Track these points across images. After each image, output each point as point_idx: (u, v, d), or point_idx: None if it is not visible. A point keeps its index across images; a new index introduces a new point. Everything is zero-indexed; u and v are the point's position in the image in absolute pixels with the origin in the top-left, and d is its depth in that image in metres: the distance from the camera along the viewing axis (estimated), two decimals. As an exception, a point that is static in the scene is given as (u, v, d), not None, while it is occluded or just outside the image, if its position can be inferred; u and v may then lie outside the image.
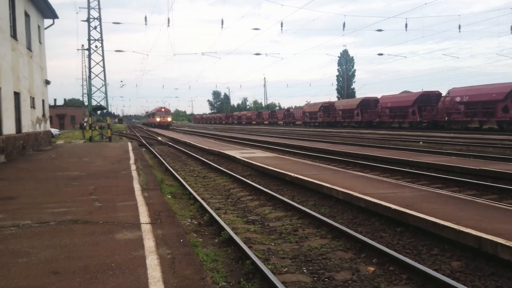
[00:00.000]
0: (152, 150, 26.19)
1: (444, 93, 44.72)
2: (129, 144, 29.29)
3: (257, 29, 55.33)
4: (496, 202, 8.38)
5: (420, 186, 10.28)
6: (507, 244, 5.35)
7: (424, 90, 48.04)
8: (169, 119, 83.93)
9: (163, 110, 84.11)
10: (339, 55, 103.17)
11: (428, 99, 45.13)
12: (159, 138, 42.14)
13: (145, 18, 39.09)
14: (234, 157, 18.84)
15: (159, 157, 21.48)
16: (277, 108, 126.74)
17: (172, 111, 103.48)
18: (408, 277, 5.33)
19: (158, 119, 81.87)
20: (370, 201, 8.36)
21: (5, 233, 6.54)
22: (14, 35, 20.19)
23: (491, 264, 5.55)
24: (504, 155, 17.58)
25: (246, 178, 13.63)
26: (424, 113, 44.93)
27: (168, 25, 28.56)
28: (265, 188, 11.77)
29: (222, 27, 32.46)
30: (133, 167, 15.21)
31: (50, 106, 36.67)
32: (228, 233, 7.14)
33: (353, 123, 57.65)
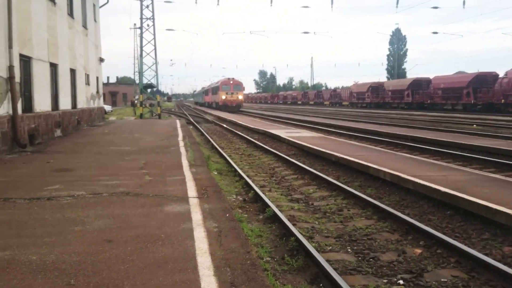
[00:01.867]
0: (199, 128, 26.67)
1: (501, 75, 42.31)
2: (178, 121, 29.96)
3: (306, 6, 54.00)
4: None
5: (473, 170, 9.88)
6: None
7: (480, 71, 45.67)
8: (240, 96, 54.88)
9: (231, 82, 54.08)
10: (391, 34, 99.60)
11: (485, 80, 42.88)
12: (206, 116, 42.80)
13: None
14: (279, 136, 18.84)
15: (206, 134, 21.86)
16: (324, 88, 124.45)
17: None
18: (456, 261, 5.19)
19: (223, 97, 53.60)
20: (419, 183, 8.14)
21: (61, 202, 6.93)
22: (70, 13, 20.95)
23: (547, 252, 5.29)
24: None
25: (291, 157, 13.62)
26: (479, 95, 42.81)
27: (218, 4, 28.50)
28: (310, 167, 11.72)
29: (271, 5, 32.07)
30: (181, 143, 15.58)
31: (104, 84, 38.00)
32: (273, 210, 7.20)
33: (403, 104, 55.91)
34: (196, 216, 6.14)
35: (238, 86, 54.44)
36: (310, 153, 14.33)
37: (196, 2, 35.48)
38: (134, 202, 6.93)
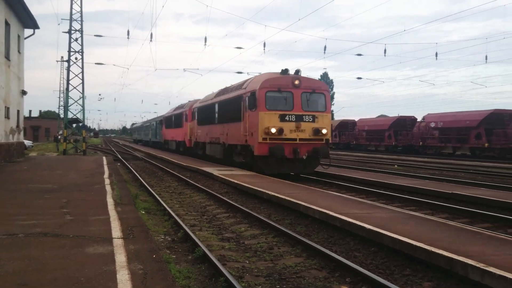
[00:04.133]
0: (128, 165, 25.85)
1: (419, 119, 45.76)
2: (104, 158, 28.85)
3: (240, 47, 55.69)
4: (467, 225, 8.56)
5: (395, 208, 10.41)
6: (477, 265, 5.45)
7: (400, 115, 49.09)
8: (325, 130, 17.79)
9: (296, 83, 17.40)
10: (319, 78, 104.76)
11: (404, 123, 46.11)
12: (135, 153, 41.64)
13: (128, 32, 39.03)
14: (212, 174, 18.76)
15: (134, 172, 21.21)
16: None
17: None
18: (380, 296, 5.35)
19: (273, 130, 16.96)
20: (346, 221, 8.42)
21: (-30, 244, 6.31)
22: (-10, 43, 19.83)
23: (461, 285, 5.64)
24: (476, 180, 18.01)
25: (223, 196, 13.56)
26: (399, 137, 45.82)
27: (151, 40, 28.38)
28: (242, 206, 11.74)
29: (205, 45, 32.25)
30: (107, 181, 14.97)
31: (25, 117, 35.90)
32: (202, 249, 7.06)
33: (331, 144, 58.10)
34: (120, 257, 5.85)
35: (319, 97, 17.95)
36: (243, 191, 14.37)
37: (128, 37, 35.18)
38: (52, 243, 6.48)
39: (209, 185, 16.75)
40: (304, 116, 17.39)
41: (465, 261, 5.61)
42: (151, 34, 28.97)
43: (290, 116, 17.28)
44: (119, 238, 6.96)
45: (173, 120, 38.18)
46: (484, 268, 5.35)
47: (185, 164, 24.48)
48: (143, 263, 5.66)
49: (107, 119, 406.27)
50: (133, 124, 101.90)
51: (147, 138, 59.87)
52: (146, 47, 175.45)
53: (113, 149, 51.00)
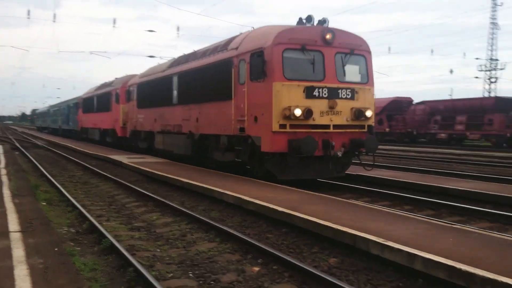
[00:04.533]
0: (27, 154, 24.06)
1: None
2: (0, 147, 26.58)
3: (152, 31, 53.46)
4: (370, 204, 9.22)
5: (305, 190, 10.84)
6: (378, 240, 5.92)
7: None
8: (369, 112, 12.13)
9: (328, 37, 11.57)
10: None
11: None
12: (36, 141, 38.86)
13: (28, 12, 35.90)
14: (121, 162, 18.14)
15: (34, 161, 19.82)
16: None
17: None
18: (290, 275, 5.62)
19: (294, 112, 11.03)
20: (260, 204, 8.65)
21: None
22: None
23: (364, 259, 6.09)
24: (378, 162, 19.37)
25: (133, 184, 13.20)
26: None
27: (54, 21, 26.38)
28: (154, 194, 11.53)
29: (114, 26, 30.83)
30: (3, 171, 13.85)
31: None
32: (110, 240, 6.85)
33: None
34: (18, 252, 5.49)
35: (359, 60, 12.31)
36: (155, 179, 14.10)
37: (28, 17, 32.44)
38: None
39: (118, 173, 16.20)
40: (340, 91, 11.56)
41: (367, 237, 6.07)
42: (54, 15, 26.96)
43: (321, 90, 11.34)
44: (16, 231, 6.52)
45: (96, 102, 30.67)
46: (383, 242, 5.83)
47: (91, 152, 23.36)
48: (44, 257, 5.36)
49: (4, 104, 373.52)
50: (34, 110, 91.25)
51: (56, 125, 50.84)
52: (48, 28, 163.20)
53: (10, 137, 47.06)
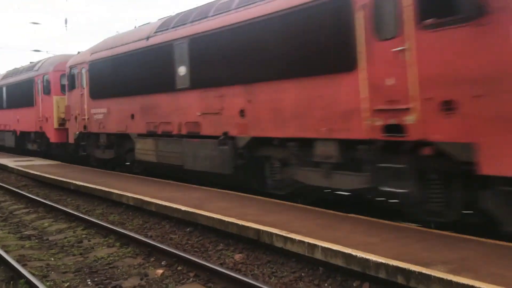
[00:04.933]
0: None
1: None
2: None
3: (36, 23, 48.66)
4: (274, 199, 9.45)
5: (208, 188, 10.82)
6: (280, 233, 6.12)
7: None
8: None
9: None
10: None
11: None
12: None
13: None
14: (6, 166, 16.63)
15: None
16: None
17: None
18: (195, 275, 5.60)
19: None
20: (161, 204, 8.46)
21: None
22: None
23: (268, 252, 6.26)
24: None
25: (21, 189, 12.18)
26: None
27: None
28: (45, 199, 10.75)
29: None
30: None
31: None
32: (-5, 252, 6.25)
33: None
34: None
35: None
36: (46, 183, 13.14)
37: None
38: None
39: (3, 178, 14.84)
40: None
41: (270, 230, 6.24)
42: None
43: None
44: None
45: (5, 94, 22.70)
46: (286, 235, 6.04)
47: (-30, 156, 21.09)
48: None
49: None
50: None
51: None
52: None
53: None
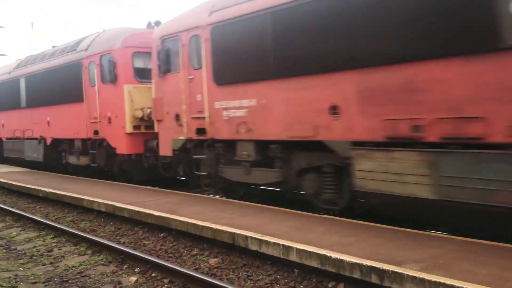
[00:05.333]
0: None
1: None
2: None
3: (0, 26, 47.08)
4: (246, 201, 9.46)
5: (182, 192, 10.77)
6: (255, 236, 6.13)
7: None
8: None
9: None
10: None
11: None
12: None
13: None
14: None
15: None
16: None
17: None
18: (170, 281, 5.57)
19: None
20: (134, 210, 8.37)
21: None
22: None
23: (243, 256, 6.27)
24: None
25: (-14, 198, 11.83)
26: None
27: None
28: (12, 207, 10.48)
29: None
30: None
31: None
32: (-41, 264, 6.05)
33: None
34: None
35: None
36: (13, 191, 12.81)
37: None
38: None
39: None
40: None
41: (245, 234, 6.25)
42: None
43: None
44: None
45: (29, 88, 16.36)
46: (261, 238, 6.05)
47: None
48: None
49: None
50: None
51: None
52: None
53: None
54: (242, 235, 6.28)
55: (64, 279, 5.86)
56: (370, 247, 5.44)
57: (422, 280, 4.36)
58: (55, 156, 15.13)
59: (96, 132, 12.72)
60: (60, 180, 13.10)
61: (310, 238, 5.90)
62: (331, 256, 5.20)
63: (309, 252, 5.41)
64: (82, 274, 6.03)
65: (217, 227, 6.68)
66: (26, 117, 16.39)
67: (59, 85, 14.19)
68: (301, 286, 5.26)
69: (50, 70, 14.70)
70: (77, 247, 7.34)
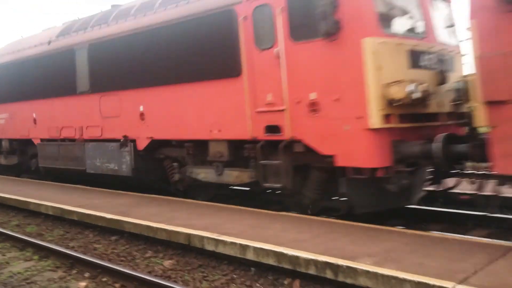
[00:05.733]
0: None
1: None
2: None
3: None
4: (203, 201, 9.37)
5: (135, 193, 10.46)
6: (212, 236, 6.08)
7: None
8: None
9: None
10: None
11: None
12: None
13: None
14: None
15: None
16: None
17: None
18: (122, 285, 5.43)
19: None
20: (84, 213, 8.12)
21: None
22: None
23: (199, 257, 6.20)
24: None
25: None
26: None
27: None
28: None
29: None
30: None
31: None
32: None
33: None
34: None
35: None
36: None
37: None
38: None
39: None
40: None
41: (201, 234, 6.19)
42: None
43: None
44: None
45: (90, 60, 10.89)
46: (217, 238, 6.01)
47: None
48: None
49: None
50: None
51: None
52: None
53: None
54: (198, 235, 6.22)
55: (9, 286, 5.60)
56: (325, 243, 5.51)
57: (375, 274, 4.47)
58: (154, 168, 9.85)
59: (272, 129, 7.38)
60: (3, 182, 12.51)
61: (267, 236, 5.91)
62: (287, 253, 5.23)
63: (266, 250, 5.43)
64: (28, 281, 5.78)
65: (172, 228, 6.58)
66: (89, 108, 10.74)
67: (174, 53, 8.86)
68: (258, 284, 5.26)
69: (150, 31, 9.28)
70: (23, 252, 7.03)
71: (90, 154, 10.65)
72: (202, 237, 6.17)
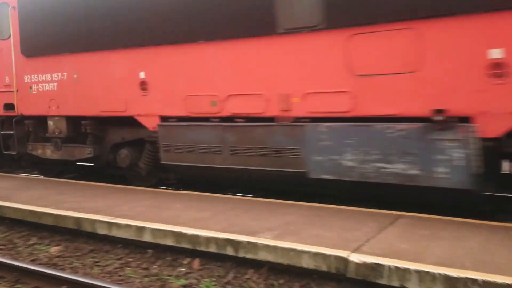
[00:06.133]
0: None
1: None
2: None
3: None
4: (96, 182, 8.78)
5: (21, 175, 9.63)
6: (104, 219, 5.70)
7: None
8: None
9: None
10: None
11: None
12: None
13: None
14: None
15: None
16: None
17: None
18: (1, 276, 4.88)
19: None
20: None
21: None
22: None
23: (91, 241, 5.81)
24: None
25: None
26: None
27: None
28: None
29: None
30: None
31: None
32: None
33: None
34: None
35: None
36: None
37: None
38: None
39: None
40: None
41: (92, 218, 5.79)
42: None
43: None
44: None
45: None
46: (110, 220, 5.66)
47: None
48: None
49: None
50: None
51: None
52: None
53: None
54: (89, 219, 5.82)
55: None
56: (227, 219, 5.44)
57: (275, 247, 4.48)
58: None
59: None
60: None
61: (166, 216, 5.70)
62: (186, 233, 5.08)
63: (164, 230, 5.22)
64: None
65: (59, 213, 6.09)
66: (315, 59, 5.93)
67: None
68: (155, 266, 5.04)
69: None
70: None
71: (325, 145, 5.90)
72: (93, 221, 5.78)
